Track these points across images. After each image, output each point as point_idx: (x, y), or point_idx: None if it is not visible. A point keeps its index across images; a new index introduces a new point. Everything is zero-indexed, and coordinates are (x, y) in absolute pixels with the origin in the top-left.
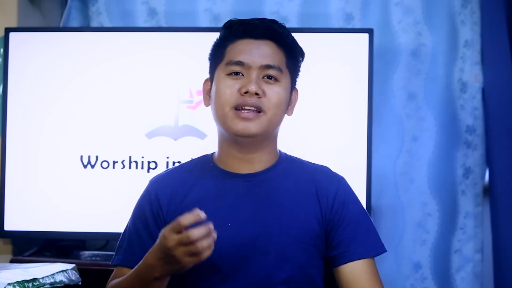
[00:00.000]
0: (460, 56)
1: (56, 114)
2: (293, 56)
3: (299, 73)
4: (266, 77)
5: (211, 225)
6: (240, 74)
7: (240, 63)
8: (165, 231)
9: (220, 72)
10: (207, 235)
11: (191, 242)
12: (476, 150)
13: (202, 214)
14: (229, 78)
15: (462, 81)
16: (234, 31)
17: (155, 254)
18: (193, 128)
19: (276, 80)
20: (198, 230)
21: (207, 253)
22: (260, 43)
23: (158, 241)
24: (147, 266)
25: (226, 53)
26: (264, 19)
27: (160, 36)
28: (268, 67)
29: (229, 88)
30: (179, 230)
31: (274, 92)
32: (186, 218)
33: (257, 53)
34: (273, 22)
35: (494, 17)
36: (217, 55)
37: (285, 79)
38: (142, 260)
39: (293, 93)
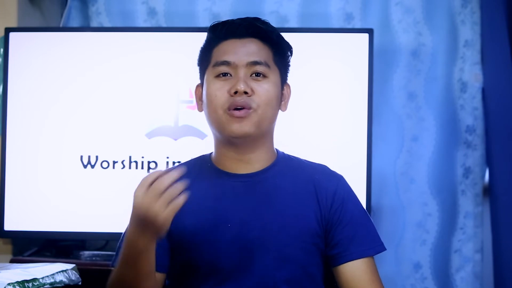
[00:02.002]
0: (460, 56)
1: (56, 114)
2: (280, 51)
3: (289, 68)
4: (254, 75)
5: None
6: (228, 75)
7: (226, 63)
8: (135, 191)
9: (209, 75)
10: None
11: (162, 191)
12: (476, 150)
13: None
14: (217, 80)
15: (462, 81)
16: (217, 33)
17: (132, 225)
18: (193, 128)
19: (264, 76)
20: (166, 176)
21: (182, 198)
22: (244, 42)
23: (132, 209)
24: (129, 241)
25: (212, 56)
26: (247, 18)
27: (160, 36)
28: (255, 63)
29: (219, 90)
30: (147, 186)
31: (263, 89)
32: (151, 175)
33: (243, 51)
34: (256, 19)
35: (494, 17)
36: (204, 59)
37: (274, 75)
38: (123, 242)
39: (284, 88)
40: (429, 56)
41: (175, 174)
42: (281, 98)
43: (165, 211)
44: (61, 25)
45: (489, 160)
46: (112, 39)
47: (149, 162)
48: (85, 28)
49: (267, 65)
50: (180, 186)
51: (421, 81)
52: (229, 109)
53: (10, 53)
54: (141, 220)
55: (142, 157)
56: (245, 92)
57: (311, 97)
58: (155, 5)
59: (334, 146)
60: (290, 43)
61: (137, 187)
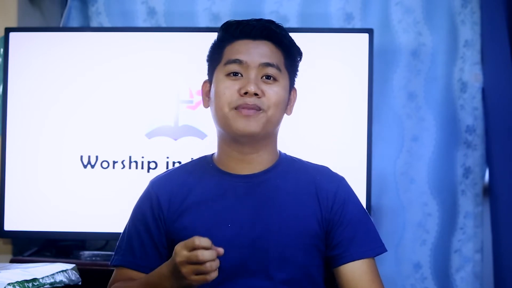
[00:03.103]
0: (460, 56)
1: (56, 114)
2: (291, 56)
3: (298, 72)
4: (265, 77)
5: (220, 250)
6: (239, 75)
7: (238, 62)
8: (177, 246)
9: (219, 73)
10: (215, 258)
11: (198, 262)
12: (476, 150)
13: (220, 250)
14: (228, 78)
15: (462, 81)
16: (231, 32)
17: (168, 267)
18: (193, 128)
19: (275, 79)
20: (207, 252)
21: (214, 275)
22: (258, 43)
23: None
24: (160, 275)
25: (224, 54)
26: (261, 19)
27: (160, 36)
28: (267, 65)
29: (229, 88)
30: (191, 248)
31: (273, 92)
32: (202, 241)
33: (256, 52)
34: (271, 22)
35: (494, 17)
36: (215, 56)
37: (284, 79)
38: (157, 269)
39: (291, 92)
40: (429, 56)
41: (214, 254)
42: (287, 101)
43: (192, 276)
44: (61, 25)
45: (489, 160)
46: (112, 39)
47: (149, 162)
48: (85, 28)
49: (278, 68)
50: (215, 264)
51: (421, 81)
52: (236, 108)
53: (10, 53)
54: (174, 268)
55: (142, 157)
56: (255, 94)
57: (311, 97)
58: (155, 5)
59: (334, 147)
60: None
61: (185, 243)
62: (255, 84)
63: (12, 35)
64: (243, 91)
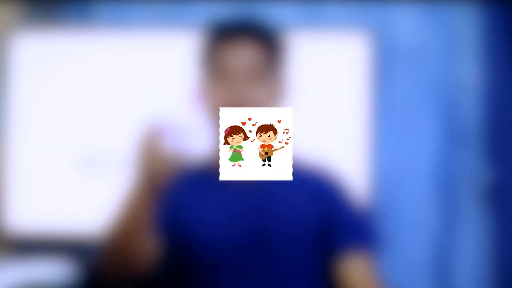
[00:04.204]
0: (460, 56)
1: (56, 114)
2: (279, 54)
3: (288, 71)
4: (252, 78)
5: None
6: (227, 76)
7: (224, 65)
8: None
9: (206, 75)
10: None
11: None
12: (476, 150)
13: None
14: (215, 81)
15: (462, 81)
16: (216, 34)
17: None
18: (193, 129)
19: (262, 79)
20: None
21: None
22: (245, 43)
23: None
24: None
25: (210, 55)
26: (248, 18)
27: (160, 36)
28: (254, 66)
29: (216, 91)
30: None
31: (261, 93)
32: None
33: (242, 52)
34: (256, 21)
35: (494, 17)
36: (202, 58)
37: (272, 78)
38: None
39: (283, 91)
40: (429, 56)
41: None
42: (278, 100)
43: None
44: (61, 25)
45: (489, 160)
46: (112, 39)
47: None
48: (85, 28)
49: (265, 68)
50: None
51: (421, 81)
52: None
53: (11, 53)
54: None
55: None
56: (243, 96)
57: (310, 97)
58: (155, 4)
59: (333, 147)
60: (290, 44)
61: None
62: (242, 87)
63: (12, 35)
64: (231, 93)
